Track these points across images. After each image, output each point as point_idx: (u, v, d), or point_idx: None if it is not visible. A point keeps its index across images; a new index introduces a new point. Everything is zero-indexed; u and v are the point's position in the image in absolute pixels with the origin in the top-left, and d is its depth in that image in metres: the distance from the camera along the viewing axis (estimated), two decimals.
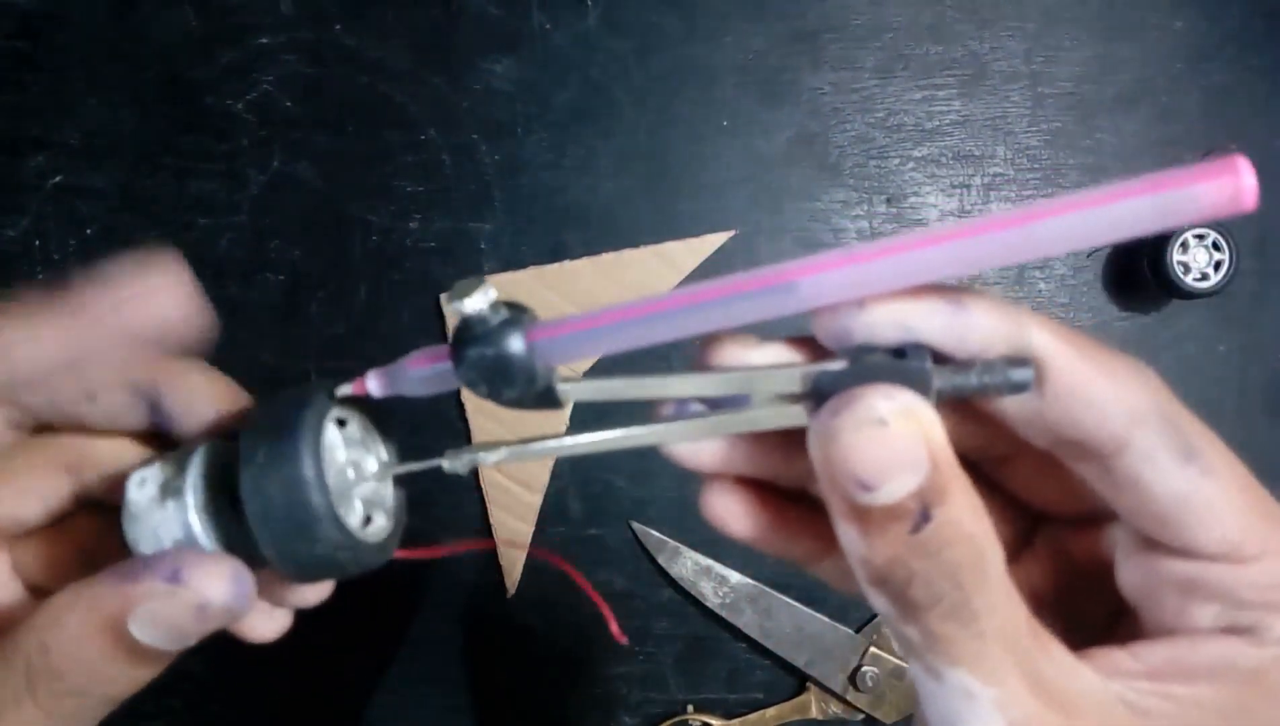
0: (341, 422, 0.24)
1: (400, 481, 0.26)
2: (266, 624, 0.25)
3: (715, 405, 0.22)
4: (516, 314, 0.21)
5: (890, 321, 0.19)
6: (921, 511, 0.18)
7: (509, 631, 0.49)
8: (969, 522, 0.18)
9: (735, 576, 0.48)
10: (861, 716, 0.48)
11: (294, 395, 0.22)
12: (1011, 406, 0.20)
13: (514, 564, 0.49)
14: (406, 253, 0.49)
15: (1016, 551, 0.23)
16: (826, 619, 0.48)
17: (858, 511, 0.18)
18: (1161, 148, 0.50)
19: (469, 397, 0.48)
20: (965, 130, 0.50)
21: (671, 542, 0.48)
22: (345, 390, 0.23)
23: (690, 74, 0.50)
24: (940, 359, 0.19)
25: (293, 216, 0.49)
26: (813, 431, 0.19)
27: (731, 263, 0.49)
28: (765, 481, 0.23)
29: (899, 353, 0.19)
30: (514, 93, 0.49)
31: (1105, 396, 0.19)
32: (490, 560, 0.49)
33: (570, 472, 0.49)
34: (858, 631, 0.48)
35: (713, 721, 0.48)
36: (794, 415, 0.20)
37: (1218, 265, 0.46)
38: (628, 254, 0.49)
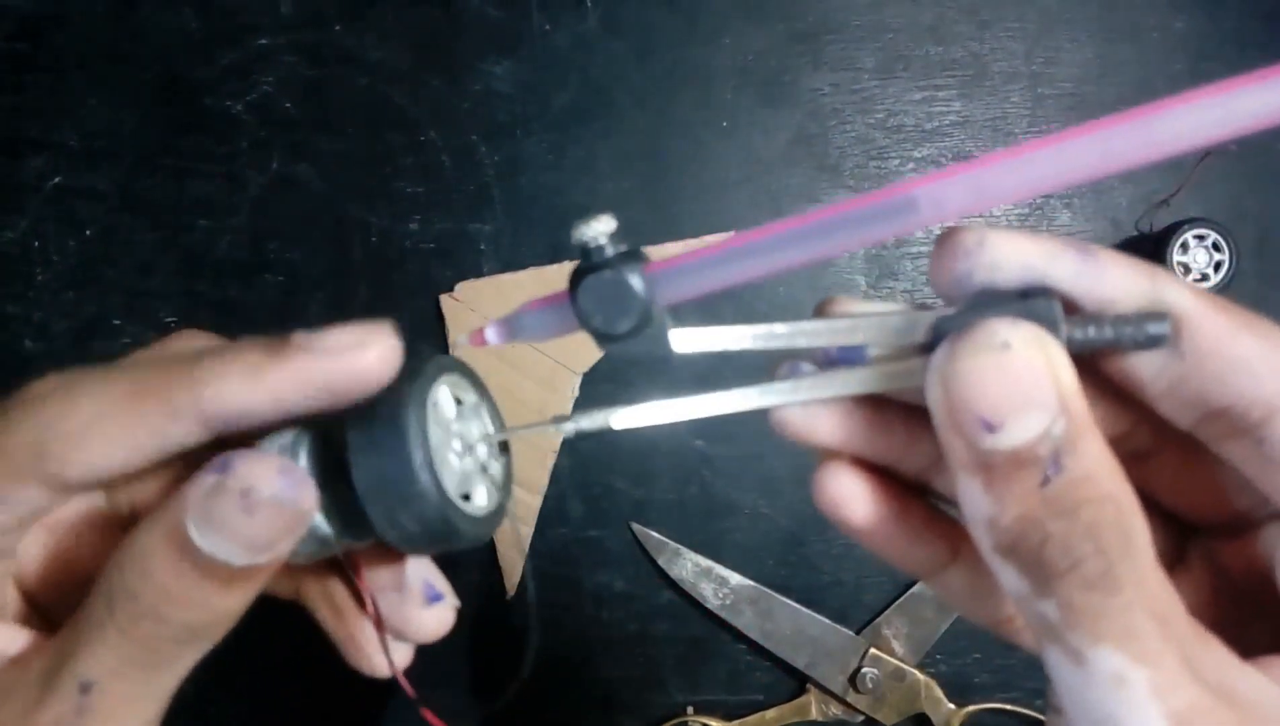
0: (452, 393, 0.23)
1: (506, 449, 0.25)
2: (392, 655, 0.26)
3: (832, 364, 0.20)
4: (635, 249, 0.21)
5: (1015, 261, 0.17)
6: (1053, 459, 0.16)
7: (509, 631, 0.49)
8: (1107, 479, 0.16)
9: (735, 578, 0.48)
10: (861, 718, 0.48)
11: (403, 367, 0.22)
12: (1150, 374, 0.18)
13: (514, 565, 0.49)
14: (406, 253, 0.49)
15: (1168, 568, 0.18)
16: (827, 620, 0.48)
17: (981, 460, 0.17)
18: None
19: None
20: (965, 131, 0.50)
21: (671, 544, 0.48)
22: (462, 340, 0.22)
23: (690, 75, 0.50)
24: (1070, 311, 0.17)
25: (292, 217, 0.49)
26: (930, 369, 0.17)
27: None
28: (888, 468, 0.21)
29: (1024, 294, 0.17)
30: (514, 94, 0.49)
31: (1252, 353, 0.17)
32: (490, 560, 0.49)
33: (570, 474, 0.49)
34: (858, 633, 0.48)
35: (712, 723, 0.48)
36: (915, 372, 0.18)
37: (1218, 265, 0.46)
38: None
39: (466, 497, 0.23)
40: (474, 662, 0.49)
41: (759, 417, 0.21)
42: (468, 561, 0.49)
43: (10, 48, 0.49)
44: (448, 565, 0.49)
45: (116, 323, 0.49)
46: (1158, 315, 0.17)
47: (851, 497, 0.21)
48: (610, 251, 0.20)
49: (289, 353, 0.21)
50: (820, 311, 0.20)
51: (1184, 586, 0.19)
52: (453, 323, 0.48)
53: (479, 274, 0.49)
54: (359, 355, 0.21)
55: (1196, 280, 0.46)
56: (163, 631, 0.20)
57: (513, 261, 0.49)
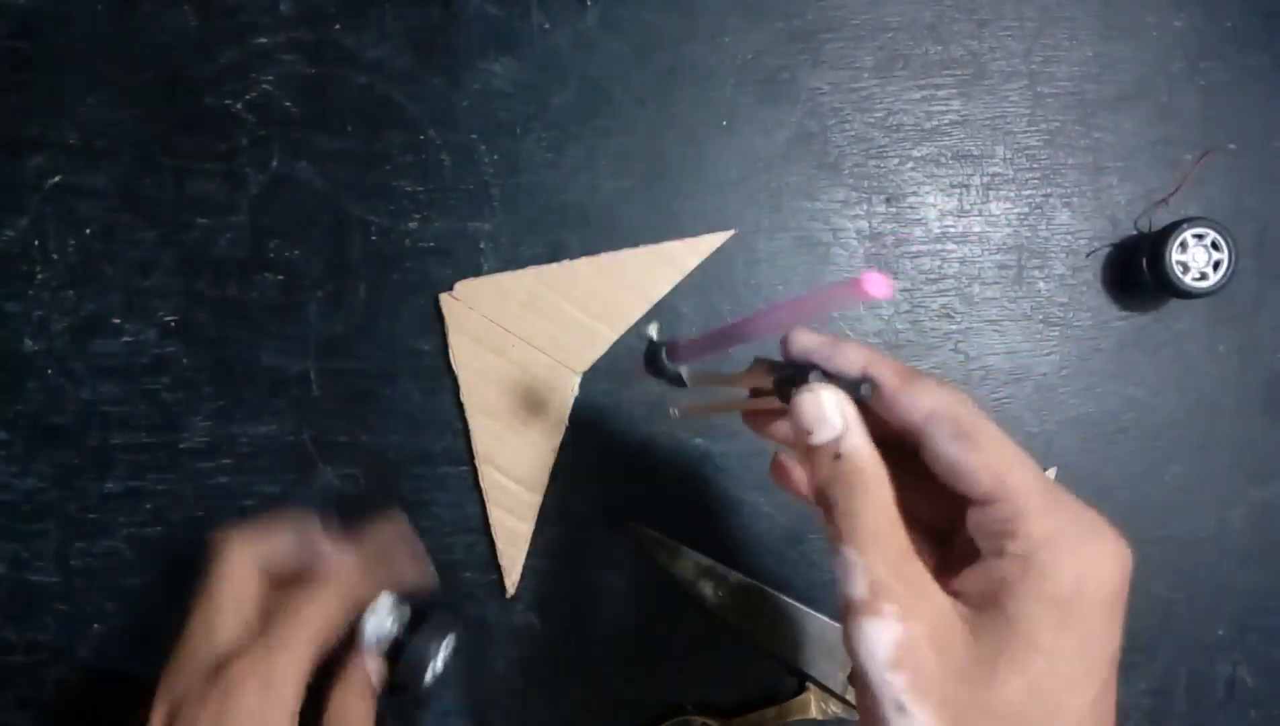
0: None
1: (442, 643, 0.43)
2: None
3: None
4: (666, 339, 0.38)
5: (803, 347, 0.33)
6: (835, 451, 0.30)
7: (509, 631, 0.49)
8: (863, 460, 0.30)
9: (735, 576, 0.48)
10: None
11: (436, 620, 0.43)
12: (878, 408, 0.31)
13: (514, 563, 0.49)
14: (406, 252, 0.49)
15: (941, 539, 0.33)
16: (826, 618, 0.48)
17: (805, 447, 0.31)
18: (1160, 147, 0.50)
19: (468, 397, 0.48)
20: (964, 129, 0.50)
21: (671, 542, 0.48)
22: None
23: (689, 74, 0.50)
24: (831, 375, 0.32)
25: (292, 216, 0.49)
26: (792, 401, 0.31)
27: (732, 262, 0.49)
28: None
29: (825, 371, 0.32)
30: (513, 92, 0.50)
31: (908, 401, 0.30)
32: (490, 560, 0.49)
33: (570, 472, 0.49)
34: None
35: (712, 721, 0.48)
36: (772, 399, 0.34)
37: (1216, 265, 0.46)
38: (627, 253, 0.49)
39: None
40: (474, 662, 0.49)
41: None
42: (466, 561, 0.49)
43: (10, 46, 0.49)
44: (448, 565, 0.50)
45: (116, 321, 0.49)
46: (867, 379, 0.31)
47: (785, 466, 0.37)
48: (656, 338, 0.39)
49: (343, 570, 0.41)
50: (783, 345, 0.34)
51: (949, 549, 0.32)
52: (452, 321, 0.48)
53: (478, 272, 0.49)
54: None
55: (1196, 278, 0.46)
56: None
57: (512, 260, 0.49)
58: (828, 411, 0.30)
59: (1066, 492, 0.29)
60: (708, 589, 0.48)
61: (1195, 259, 0.46)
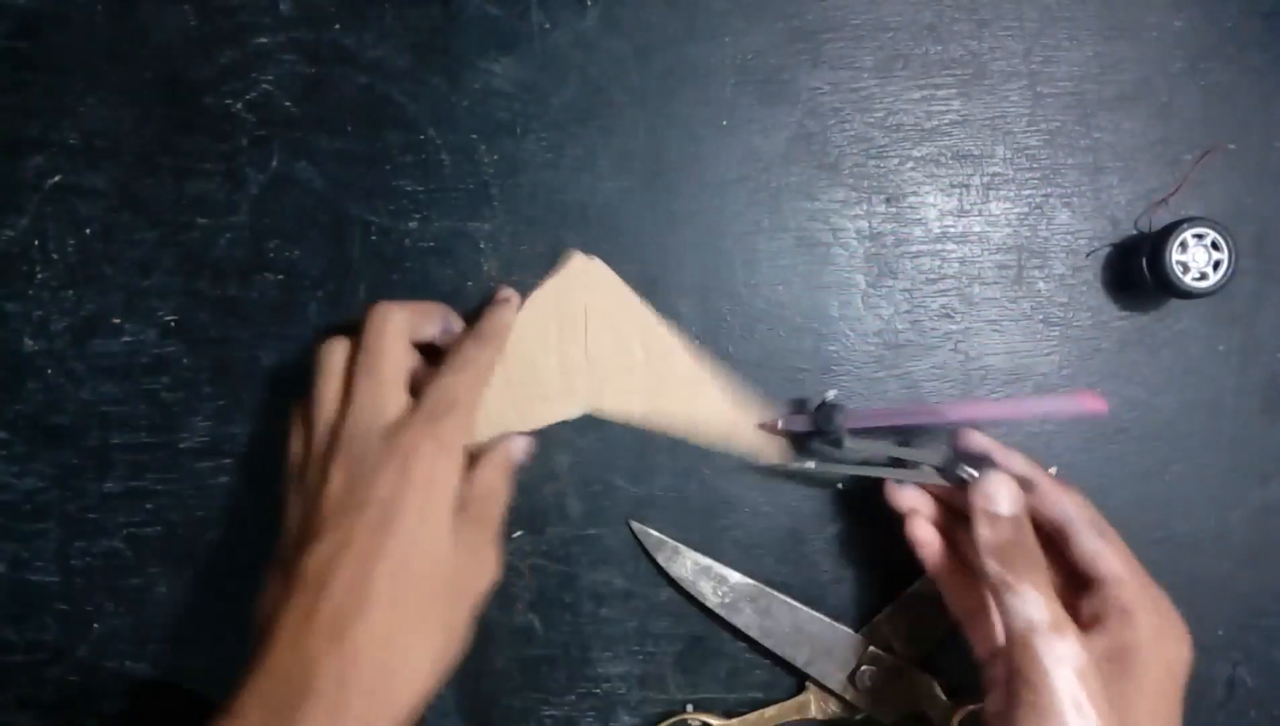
0: None
1: None
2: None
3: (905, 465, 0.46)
4: (840, 402, 0.46)
5: (980, 445, 0.45)
6: (1014, 520, 0.41)
7: (509, 631, 0.49)
8: (1024, 533, 0.41)
9: (735, 576, 0.48)
10: (861, 715, 0.48)
11: None
12: (1032, 504, 0.43)
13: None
14: (406, 252, 0.49)
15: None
16: (826, 618, 0.48)
17: (988, 517, 0.41)
18: (1160, 147, 0.50)
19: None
20: (964, 129, 0.50)
21: (671, 542, 0.48)
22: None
23: (689, 73, 0.50)
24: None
25: (292, 216, 0.49)
26: (973, 484, 0.42)
27: (732, 262, 0.49)
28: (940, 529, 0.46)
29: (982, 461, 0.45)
30: (513, 92, 0.50)
31: (1056, 500, 0.43)
32: None
33: (570, 472, 0.49)
34: (858, 631, 0.48)
35: (712, 721, 0.48)
36: (937, 477, 0.45)
37: (1216, 264, 0.46)
38: (714, 384, 0.49)
39: None
40: (474, 662, 0.49)
41: None
42: None
43: (10, 46, 0.50)
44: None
45: (116, 321, 0.49)
46: (1029, 481, 0.44)
47: (924, 534, 0.46)
48: (833, 400, 0.47)
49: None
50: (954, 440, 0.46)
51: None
52: (570, 271, 0.49)
53: (479, 272, 0.49)
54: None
55: (1196, 278, 0.46)
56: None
57: (512, 260, 0.49)
58: (1013, 492, 0.41)
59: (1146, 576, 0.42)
60: (707, 588, 0.48)
61: (1195, 259, 0.46)
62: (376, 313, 0.42)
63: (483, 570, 0.40)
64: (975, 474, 0.43)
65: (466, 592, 0.39)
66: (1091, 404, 0.40)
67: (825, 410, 0.46)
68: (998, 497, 0.40)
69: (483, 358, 0.43)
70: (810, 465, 0.47)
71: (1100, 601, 0.40)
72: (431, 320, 0.44)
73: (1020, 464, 0.43)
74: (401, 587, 0.36)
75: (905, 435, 0.48)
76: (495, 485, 0.42)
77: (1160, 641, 0.39)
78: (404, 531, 0.36)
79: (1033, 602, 0.38)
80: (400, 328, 0.42)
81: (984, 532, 0.40)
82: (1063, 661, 0.37)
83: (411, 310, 0.43)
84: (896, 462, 0.46)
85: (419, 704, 0.36)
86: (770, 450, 0.48)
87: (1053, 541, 0.43)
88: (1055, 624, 0.37)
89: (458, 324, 0.45)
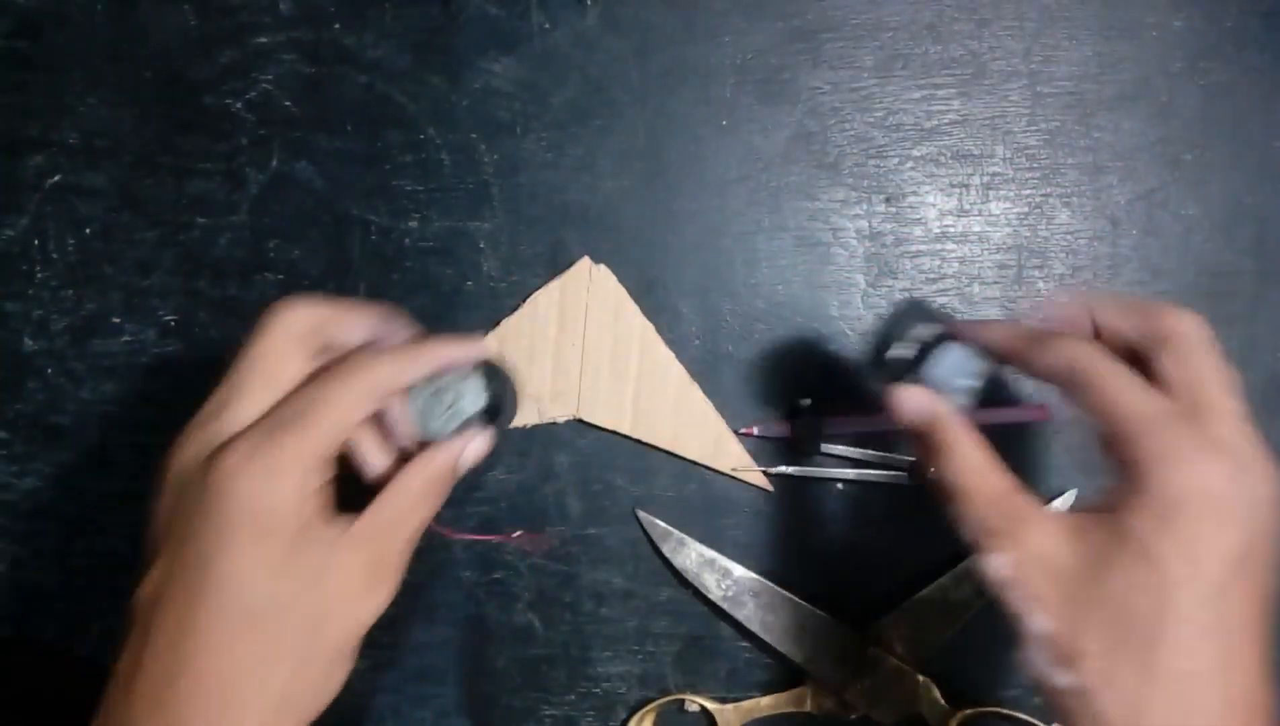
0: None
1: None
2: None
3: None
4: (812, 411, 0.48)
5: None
6: (929, 422, 0.37)
7: (509, 631, 0.49)
8: (948, 433, 0.36)
9: (738, 570, 0.48)
10: (857, 715, 0.48)
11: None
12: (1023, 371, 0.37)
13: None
14: (406, 252, 0.49)
15: None
16: (827, 615, 0.48)
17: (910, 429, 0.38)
18: (1160, 147, 0.50)
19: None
20: (964, 129, 0.50)
21: (677, 533, 0.48)
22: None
23: (689, 73, 0.50)
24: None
25: (292, 216, 0.49)
26: (890, 401, 0.38)
27: (732, 262, 0.49)
28: None
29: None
30: (513, 92, 0.50)
31: (1040, 363, 0.35)
32: (490, 559, 0.49)
33: (570, 471, 0.49)
34: (859, 631, 0.48)
35: (707, 703, 0.48)
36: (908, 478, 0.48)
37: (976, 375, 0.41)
38: (708, 410, 0.49)
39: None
40: (474, 662, 0.49)
41: None
42: (465, 560, 0.49)
43: (10, 46, 0.50)
44: (447, 564, 0.49)
45: (116, 321, 0.49)
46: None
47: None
48: (806, 406, 0.48)
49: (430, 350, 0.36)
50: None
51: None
52: (574, 275, 0.49)
53: (478, 272, 0.49)
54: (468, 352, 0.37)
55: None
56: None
57: (512, 260, 0.49)
58: (920, 403, 0.36)
59: (1223, 426, 0.32)
60: (711, 581, 0.48)
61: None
62: (268, 311, 0.35)
63: (353, 604, 0.33)
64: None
65: (327, 623, 0.32)
66: (1036, 413, 0.47)
67: (801, 417, 0.47)
68: (900, 409, 0.37)
69: (374, 370, 0.34)
70: (789, 470, 0.48)
71: (1107, 456, 0.33)
72: (354, 325, 0.36)
73: (994, 332, 0.37)
74: (229, 632, 0.31)
75: (881, 437, 0.49)
76: (400, 508, 0.35)
77: (1167, 471, 0.31)
78: (224, 573, 0.31)
79: (959, 523, 0.34)
80: (292, 326, 0.35)
81: (918, 449, 0.37)
82: (993, 577, 0.33)
83: (325, 308, 0.36)
84: (870, 464, 0.48)
85: None
86: (752, 475, 0.49)
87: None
88: (977, 540, 0.34)
89: (403, 332, 0.38)
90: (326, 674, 0.33)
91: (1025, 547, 0.32)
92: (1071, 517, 0.33)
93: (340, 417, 0.33)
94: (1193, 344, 0.33)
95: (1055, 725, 0.48)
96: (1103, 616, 0.30)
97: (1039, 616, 0.31)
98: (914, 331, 0.38)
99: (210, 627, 0.31)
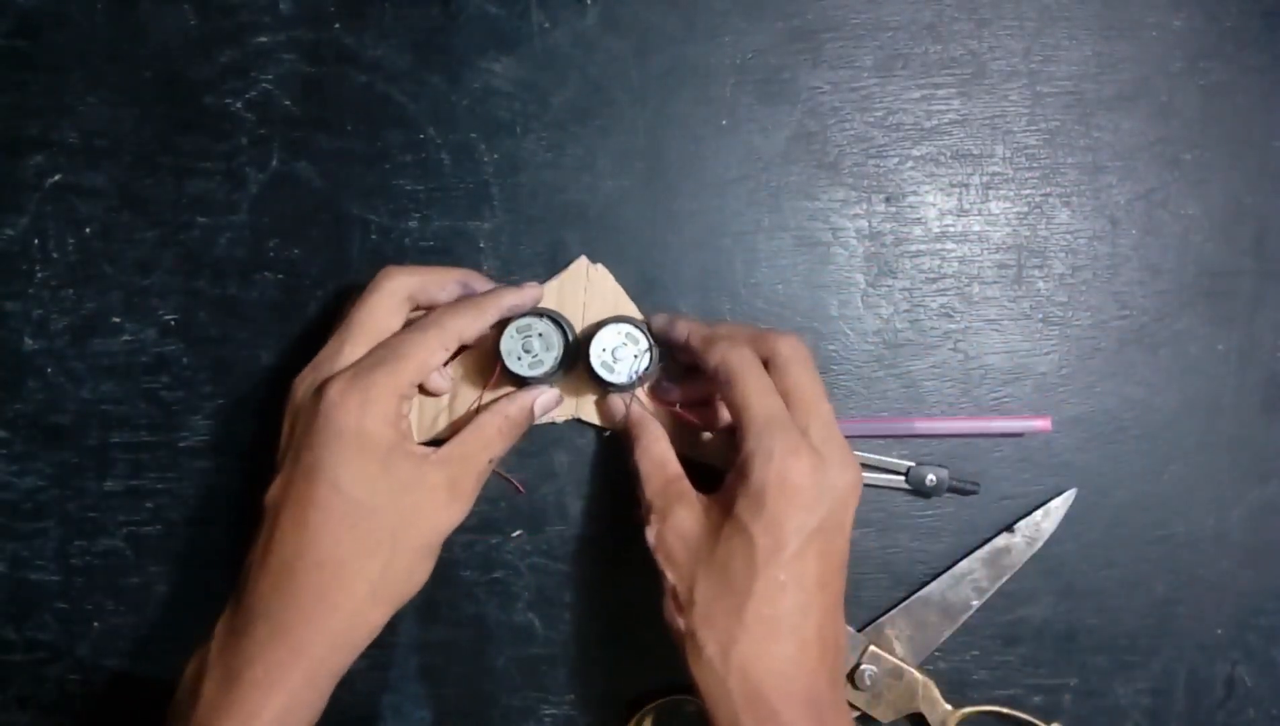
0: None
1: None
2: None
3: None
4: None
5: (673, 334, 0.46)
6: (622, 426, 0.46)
7: (509, 631, 0.49)
8: (637, 427, 0.45)
9: None
10: (857, 714, 0.48)
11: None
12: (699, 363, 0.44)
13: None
14: (406, 252, 0.49)
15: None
16: None
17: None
18: (1160, 146, 0.50)
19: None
20: (964, 129, 0.50)
21: None
22: None
23: (689, 73, 0.50)
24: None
25: (292, 215, 0.49)
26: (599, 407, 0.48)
27: (732, 261, 0.49)
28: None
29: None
30: (513, 92, 0.50)
31: (704, 360, 0.43)
32: (490, 559, 0.49)
33: (569, 471, 0.49)
34: (859, 630, 0.48)
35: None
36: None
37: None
38: None
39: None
40: (474, 662, 0.49)
41: None
42: (465, 560, 0.49)
43: (10, 45, 0.50)
44: (447, 564, 0.49)
45: (116, 320, 0.49)
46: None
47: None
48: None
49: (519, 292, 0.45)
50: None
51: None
52: (574, 270, 0.49)
53: (478, 272, 0.49)
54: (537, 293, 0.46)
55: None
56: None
57: (512, 259, 0.49)
58: (618, 409, 0.47)
59: (815, 428, 0.40)
60: None
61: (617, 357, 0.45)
62: (379, 275, 0.44)
63: (435, 512, 0.41)
64: (935, 480, 0.48)
65: (413, 525, 0.41)
66: (1039, 424, 0.48)
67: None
68: (607, 416, 0.47)
69: (452, 322, 0.43)
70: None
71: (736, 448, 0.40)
72: (444, 285, 0.45)
73: (678, 330, 0.45)
74: (334, 527, 0.39)
75: (880, 438, 0.49)
76: (479, 441, 0.43)
77: (758, 464, 0.39)
78: (328, 481, 0.39)
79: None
80: (395, 289, 0.43)
81: (624, 443, 0.46)
82: (648, 542, 0.42)
83: (421, 275, 0.44)
84: (869, 465, 0.48)
85: (360, 629, 0.40)
86: None
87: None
88: (641, 512, 0.42)
89: (481, 287, 0.46)
90: (411, 568, 0.41)
91: (668, 521, 0.41)
92: (706, 499, 0.41)
93: (423, 359, 0.41)
94: (790, 360, 0.41)
95: (1055, 725, 0.48)
96: (710, 574, 0.39)
97: (669, 573, 0.40)
98: (600, 337, 0.44)
99: (321, 523, 0.39)
